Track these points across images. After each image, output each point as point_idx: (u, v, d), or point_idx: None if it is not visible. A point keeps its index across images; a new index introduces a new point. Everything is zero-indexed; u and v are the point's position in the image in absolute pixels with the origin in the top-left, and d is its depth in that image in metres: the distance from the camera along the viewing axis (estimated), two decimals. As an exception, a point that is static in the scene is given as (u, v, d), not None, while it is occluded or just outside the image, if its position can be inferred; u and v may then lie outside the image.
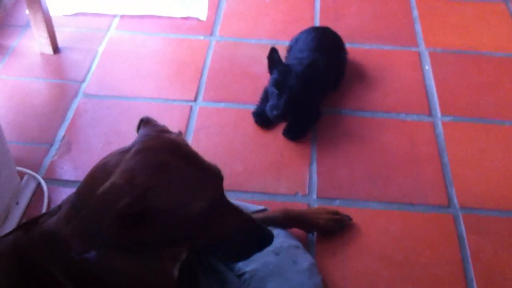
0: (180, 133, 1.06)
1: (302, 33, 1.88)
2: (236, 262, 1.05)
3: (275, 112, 1.61)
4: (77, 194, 1.00)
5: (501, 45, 2.00)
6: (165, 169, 0.93)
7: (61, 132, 1.69)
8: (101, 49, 1.98)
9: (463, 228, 1.44)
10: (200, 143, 1.65)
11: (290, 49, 1.87)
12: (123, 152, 0.98)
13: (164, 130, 1.04)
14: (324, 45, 1.81)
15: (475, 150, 1.64)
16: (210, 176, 0.98)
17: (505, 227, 1.44)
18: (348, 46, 1.98)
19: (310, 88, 1.64)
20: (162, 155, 0.95)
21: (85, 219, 0.90)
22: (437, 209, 1.49)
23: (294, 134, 1.67)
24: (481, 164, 1.60)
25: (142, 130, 1.03)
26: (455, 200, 1.50)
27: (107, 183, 0.90)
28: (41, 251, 1.00)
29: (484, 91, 1.82)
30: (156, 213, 0.92)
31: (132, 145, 0.98)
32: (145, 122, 1.06)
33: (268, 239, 1.04)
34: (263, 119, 1.70)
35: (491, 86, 1.84)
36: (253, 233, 1.03)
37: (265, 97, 1.72)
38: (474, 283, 1.33)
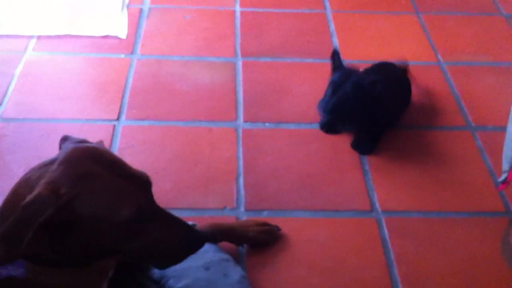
0: (101, 142, 1.08)
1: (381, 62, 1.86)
2: (169, 267, 1.09)
3: (321, 112, 1.64)
4: None
5: (414, 54, 2.10)
6: (89, 178, 0.95)
7: (-22, 158, 1.63)
8: (18, 72, 1.92)
9: (386, 231, 1.49)
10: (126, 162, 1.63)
11: None
12: (46, 165, 0.98)
13: (84, 141, 1.06)
14: (395, 79, 1.81)
15: (394, 155, 1.71)
16: (137, 182, 1.00)
17: (426, 228, 1.50)
18: (270, 60, 2.03)
19: (365, 102, 1.61)
20: (85, 164, 0.96)
21: (8, 233, 0.91)
22: (361, 214, 1.53)
23: (362, 148, 1.70)
24: (400, 168, 1.67)
25: (63, 145, 1.04)
26: (377, 204, 1.56)
27: (31, 195, 0.91)
28: None
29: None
30: (83, 222, 0.93)
31: (55, 158, 0.99)
32: (64, 139, 1.07)
33: (200, 241, 1.08)
34: (329, 128, 1.69)
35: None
36: (185, 237, 1.06)
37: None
38: (399, 284, 1.37)
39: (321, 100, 1.67)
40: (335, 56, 1.72)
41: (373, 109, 1.63)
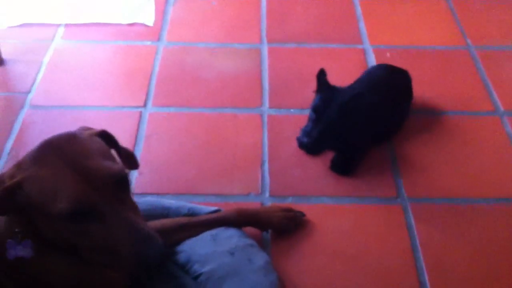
0: (103, 131, 1.09)
1: (373, 67, 1.82)
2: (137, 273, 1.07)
3: (305, 140, 1.54)
4: None
5: (442, 39, 2.07)
6: (44, 164, 0.97)
7: (9, 145, 1.66)
8: (46, 60, 1.95)
9: (411, 218, 1.48)
10: (152, 148, 1.65)
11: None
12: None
13: (88, 129, 1.09)
14: (386, 88, 1.67)
15: (421, 141, 1.69)
16: (91, 179, 0.95)
17: (452, 215, 1.49)
18: (295, 46, 2.02)
19: (352, 124, 1.52)
20: (45, 152, 0.99)
21: None
22: (386, 200, 1.53)
23: (342, 168, 1.59)
24: (426, 154, 1.65)
25: None
26: (403, 191, 1.55)
27: None
28: None
29: (426, 83, 1.88)
30: (33, 206, 0.96)
31: None
32: None
33: (155, 254, 0.96)
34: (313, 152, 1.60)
35: (432, 78, 1.90)
36: (137, 250, 0.95)
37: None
38: (425, 271, 1.37)
39: (303, 127, 1.57)
40: (320, 75, 1.56)
41: (362, 126, 1.54)
